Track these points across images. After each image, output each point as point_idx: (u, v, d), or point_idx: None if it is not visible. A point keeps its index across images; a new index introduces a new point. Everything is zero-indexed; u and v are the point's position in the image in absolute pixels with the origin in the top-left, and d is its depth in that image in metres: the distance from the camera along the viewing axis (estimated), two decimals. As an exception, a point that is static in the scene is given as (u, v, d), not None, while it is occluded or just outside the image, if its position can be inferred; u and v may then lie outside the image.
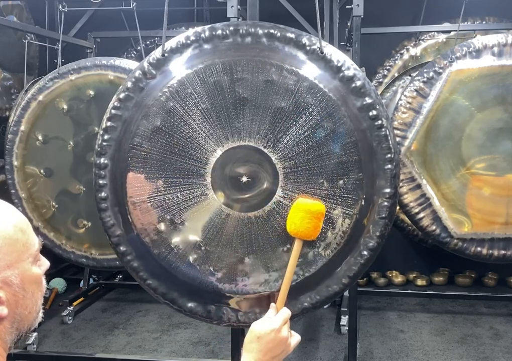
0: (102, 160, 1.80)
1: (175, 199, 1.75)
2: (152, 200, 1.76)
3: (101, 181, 1.81)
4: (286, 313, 1.41)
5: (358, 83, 1.71)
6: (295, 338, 1.40)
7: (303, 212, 1.59)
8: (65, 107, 3.48)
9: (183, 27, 5.07)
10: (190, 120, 1.72)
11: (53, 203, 3.53)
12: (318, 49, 1.72)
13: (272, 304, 1.48)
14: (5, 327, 0.94)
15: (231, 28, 1.76)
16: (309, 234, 1.62)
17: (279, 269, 1.73)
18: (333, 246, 1.71)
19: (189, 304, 1.81)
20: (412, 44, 5.08)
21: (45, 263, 1.05)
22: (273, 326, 1.33)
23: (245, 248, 1.74)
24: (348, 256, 1.73)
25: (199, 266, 1.76)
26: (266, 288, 1.74)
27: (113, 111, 1.79)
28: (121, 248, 1.82)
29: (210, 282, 1.77)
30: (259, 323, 1.35)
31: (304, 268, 1.72)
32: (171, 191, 1.75)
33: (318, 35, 1.75)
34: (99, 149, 1.81)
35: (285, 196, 1.70)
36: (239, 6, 2.37)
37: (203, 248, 1.76)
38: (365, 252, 1.72)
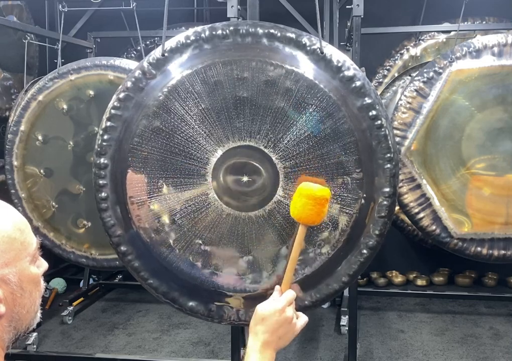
0: (102, 160, 1.80)
1: (176, 199, 1.75)
2: (153, 200, 1.76)
3: (101, 181, 1.81)
4: (290, 294, 1.41)
5: (358, 83, 1.71)
6: (302, 319, 1.40)
7: (306, 198, 1.53)
8: (65, 107, 3.48)
9: (183, 27, 5.06)
10: (190, 120, 1.72)
11: (53, 203, 3.53)
12: (318, 49, 1.72)
13: (277, 286, 1.48)
14: (2, 325, 0.94)
15: (231, 28, 1.76)
16: (313, 220, 1.57)
17: (280, 268, 1.73)
18: (333, 245, 1.72)
19: (190, 303, 1.81)
20: (412, 44, 5.08)
21: (44, 264, 1.05)
22: (277, 306, 1.34)
23: (246, 247, 1.75)
24: (348, 255, 1.73)
25: (200, 265, 1.77)
26: (267, 286, 1.75)
27: (112, 111, 1.79)
28: (122, 248, 1.83)
29: (211, 281, 1.77)
30: (263, 304, 1.36)
31: (305, 267, 1.73)
32: (172, 191, 1.75)
33: (319, 35, 1.75)
34: (98, 149, 1.81)
35: (286, 195, 1.71)
36: (239, 6, 2.37)
37: (203, 247, 1.76)
38: (365, 251, 1.73)
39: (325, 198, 1.54)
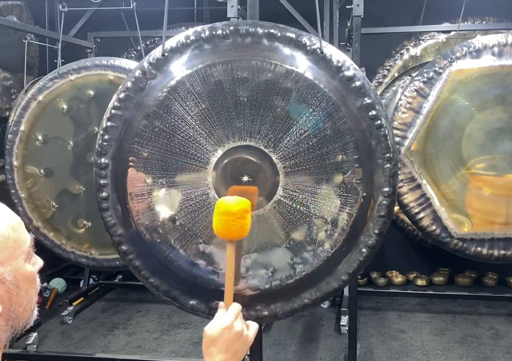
0: (102, 159, 1.81)
1: (176, 198, 1.75)
2: (154, 200, 1.76)
3: (102, 181, 1.82)
4: (235, 308, 1.38)
5: (358, 83, 1.71)
6: (252, 328, 1.38)
7: (225, 216, 1.46)
8: (65, 107, 3.48)
9: (183, 27, 5.05)
10: (191, 120, 1.73)
11: (53, 203, 3.53)
12: (318, 49, 1.72)
13: (221, 303, 1.44)
14: (0, 324, 0.94)
15: (231, 28, 1.76)
16: (238, 235, 1.52)
17: (280, 266, 1.74)
18: (333, 244, 1.72)
19: (191, 302, 1.82)
20: (412, 44, 5.08)
21: (38, 261, 1.05)
22: (225, 324, 1.31)
23: (246, 246, 1.75)
24: (347, 254, 1.74)
25: (200, 264, 1.77)
26: (267, 285, 1.75)
27: (113, 111, 1.80)
28: (123, 247, 1.83)
29: (212, 280, 1.78)
30: (210, 325, 1.31)
31: (305, 266, 1.73)
32: (172, 191, 1.75)
33: (319, 35, 1.75)
34: (99, 148, 1.81)
35: (286, 195, 1.71)
36: (239, 6, 2.37)
37: (204, 247, 1.76)
38: (364, 250, 1.73)
39: (244, 210, 1.48)
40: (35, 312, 1.03)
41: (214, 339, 1.28)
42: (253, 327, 1.38)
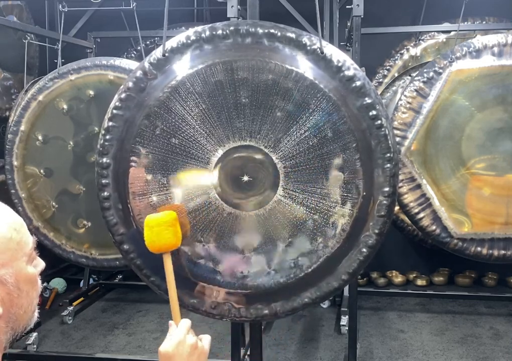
0: (104, 159, 1.81)
1: (177, 198, 1.76)
2: (154, 199, 1.76)
3: (103, 181, 1.82)
4: (185, 323, 1.41)
5: (358, 83, 1.71)
6: (206, 339, 1.41)
7: (157, 227, 1.59)
8: (65, 107, 3.47)
9: (183, 27, 5.06)
10: (191, 120, 1.73)
11: (53, 203, 3.52)
12: (318, 49, 1.72)
13: (170, 322, 1.47)
14: (0, 326, 0.93)
15: (231, 28, 1.76)
16: (173, 244, 1.61)
17: (280, 266, 1.74)
18: (333, 244, 1.72)
19: (192, 300, 1.82)
20: (412, 44, 5.08)
21: (40, 263, 1.04)
22: (177, 339, 1.32)
23: (246, 246, 1.76)
24: (347, 253, 1.74)
25: (201, 263, 1.77)
26: (268, 284, 1.75)
27: (114, 111, 1.80)
28: (125, 246, 1.84)
29: (212, 279, 1.78)
30: (164, 345, 1.32)
31: (305, 266, 1.74)
32: (173, 191, 1.76)
33: (319, 35, 1.75)
34: (101, 148, 1.81)
35: (286, 195, 1.71)
36: (239, 6, 2.37)
37: (204, 246, 1.77)
38: (364, 250, 1.73)
39: (173, 218, 1.61)
40: (36, 314, 1.02)
41: (170, 357, 1.30)
42: (206, 338, 1.42)
